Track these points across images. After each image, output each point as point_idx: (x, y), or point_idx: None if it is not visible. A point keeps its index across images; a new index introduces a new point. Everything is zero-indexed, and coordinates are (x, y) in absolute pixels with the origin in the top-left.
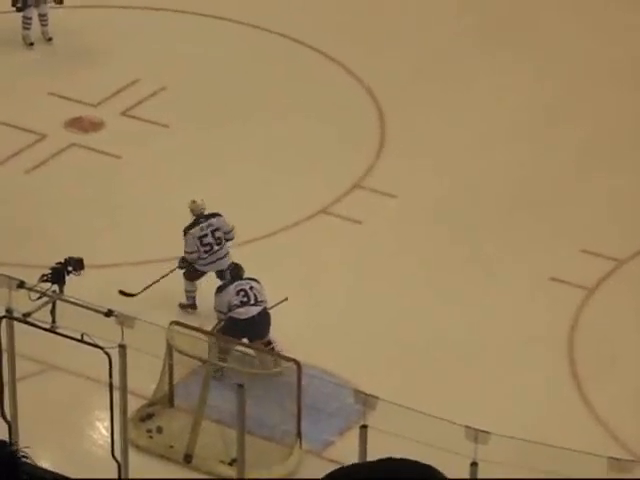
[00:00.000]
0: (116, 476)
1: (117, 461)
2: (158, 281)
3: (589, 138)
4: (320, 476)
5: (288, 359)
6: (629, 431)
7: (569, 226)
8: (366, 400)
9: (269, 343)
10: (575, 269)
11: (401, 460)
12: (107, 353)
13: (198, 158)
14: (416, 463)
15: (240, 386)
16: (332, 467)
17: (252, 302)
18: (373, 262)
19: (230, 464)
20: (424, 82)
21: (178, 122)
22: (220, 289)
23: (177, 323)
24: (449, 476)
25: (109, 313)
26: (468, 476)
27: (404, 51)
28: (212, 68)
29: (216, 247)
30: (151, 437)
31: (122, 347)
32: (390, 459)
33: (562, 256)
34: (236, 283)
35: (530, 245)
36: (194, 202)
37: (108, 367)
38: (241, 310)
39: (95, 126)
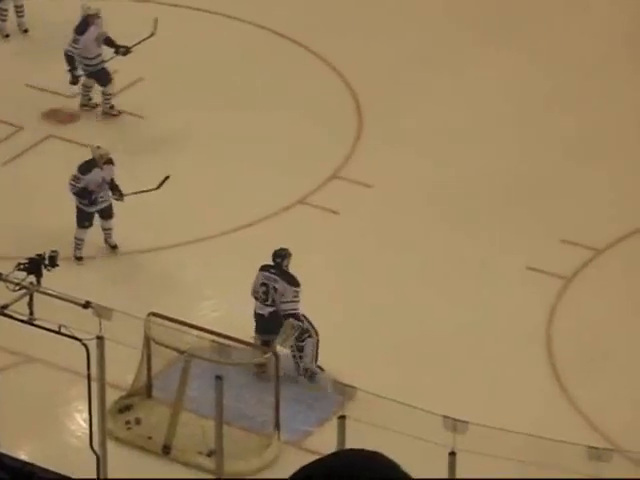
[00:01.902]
0: (94, 468)
1: (95, 453)
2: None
3: (569, 130)
4: (298, 466)
5: (266, 350)
6: (609, 421)
7: (548, 216)
8: (344, 390)
9: (297, 349)
10: (554, 259)
11: (350, 451)
12: (85, 345)
13: (175, 149)
14: (365, 452)
15: (218, 377)
16: (311, 458)
17: (269, 302)
18: (351, 252)
19: (208, 455)
20: (401, 74)
21: (155, 113)
22: (260, 269)
23: (155, 314)
24: (428, 465)
25: (87, 305)
26: (446, 466)
27: (381, 43)
28: (190, 60)
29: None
30: (129, 428)
31: (100, 339)
32: (341, 452)
33: (541, 246)
34: (266, 274)
35: (508, 235)
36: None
37: (86, 359)
38: (257, 304)
39: (72, 117)
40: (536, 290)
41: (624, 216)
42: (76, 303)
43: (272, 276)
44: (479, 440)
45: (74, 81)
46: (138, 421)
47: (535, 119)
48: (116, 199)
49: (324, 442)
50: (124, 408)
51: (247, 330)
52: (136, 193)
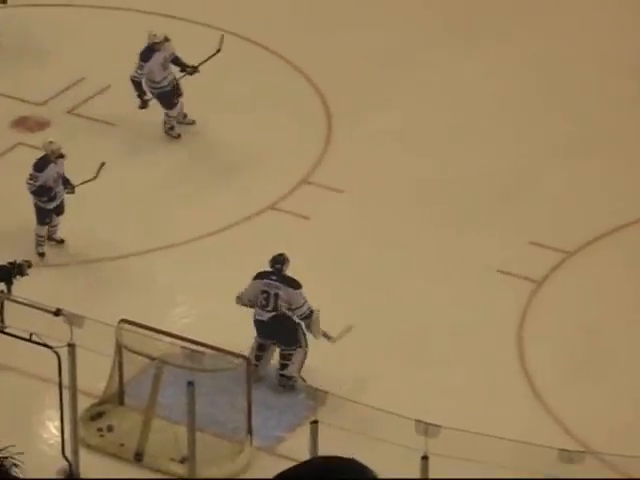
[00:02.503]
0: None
1: (68, 460)
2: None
3: (538, 132)
4: (272, 472)
5: (238, 356)
6: (579, 422)
7: (518, 218)
8: (316, 395)
9: (284, 357)
10: (524, 261)
11: (324, 458)
12: (56, 352)
13: (144, 155)
14: (339, 459)
15: (190, 383)
16: (283, 463)
17: (269, 308)
18: (322, 257)
19: (181, 462)
20: (370, 80)
21: (124, 120)
22: (254, 277)
23: (126, 321)
24: (401, 470)
25: (58, 312)
26: (419, 470)
27: (350, 44)
28: None
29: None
30: (102, 436)
31: (71, 346)
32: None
33: (511, 248)
34: (266, 282)
35: (478, 237)
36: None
37: (57, 366)
38: (257, 310)
39: (41, 125)
40: (507, 293)
41: (594, 219)
42: (47, 311)
43: (274, 283)
44: (451, 444)
45: (143, 106)
46: (110, 428)
47: (502, 123)
48: (68, 192)
49: (296, 447)
50: (96, 415)
51: (218, 336)
52: (80, 184)
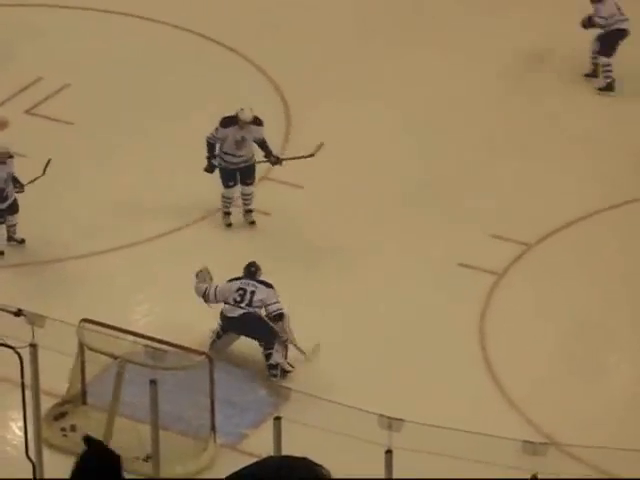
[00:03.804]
0: (31, 476)
1: (31, 461)
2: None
3: (494, 125)
4: (236, 469)
5: (200, 353)
6: (542, 414)
7: (478, 211)
8: (279, 392)
9: (267, 348)
10: (484, 254)
11: (277, 457)
12: (18, 353)
13: (103, 155)
14: (292, 458)
15: (153, 382)
16: (247, 460)
17: (243, 304)
18: (284, 253)
19: (145, 460)
20: (329, 76)
21: (83, 119)
22: (229, 281)
23: (88, 320)
24: (365, 464)
25: (18, 313)
26: (383, 464)
27: (307, 45)
28: (116, 64)
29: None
30: (65, 436)
31: (33, 346)
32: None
33: (471, 241)
34: (243, 281)
35: (438, 231)
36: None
37: (20, 367)
38: (227, 307)
39: (1, 125)
40: (469, 286)
41: (554, 210)
42: (8, 311)
43: (251, 282)
44: (415, 438)
45: (209, 169)
46: (74, 428)
47: (460, 114)
48: (17, 191)
49: (260, 444)
50: (59, 415)
51: (180, 334)
52: (30, 182)
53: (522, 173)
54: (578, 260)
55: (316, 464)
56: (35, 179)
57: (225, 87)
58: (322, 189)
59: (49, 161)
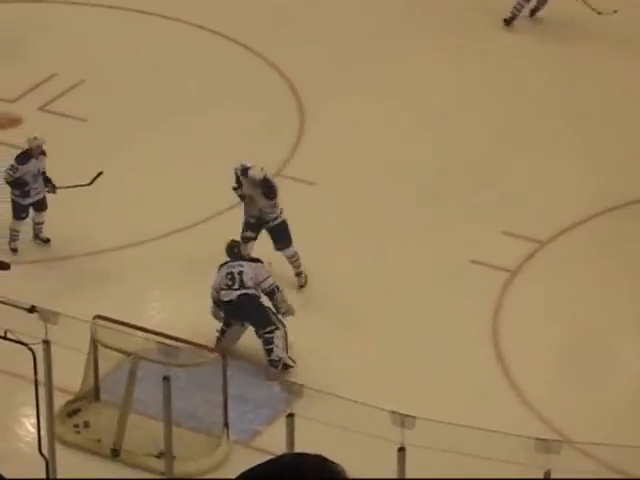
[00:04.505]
0: (44, 473)
1: (44, 457)
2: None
3: (510, 120)
4: (249, 466)
5: (214, 350)
6: (555, 411)
7: (491, 208)
8: (292, 388)
9: (267, 342)
10: (497, 251)
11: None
12: (31, 349)
13: (117, 151)
14: (309, 456)
15: (166, 378)
16: (260, 457)
17: (236, 286)
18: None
19: (158, 457)
20: (343, 73)
21: (96, 116)
22: (219, 268)
23: (101, 317)
24: (378, 462)
25: (32, 309)
26: (396, 461)
27: (322, 42)
28: (130, 61)
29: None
30: (78, 432)
31: (46, 343)
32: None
33: (484, 238)
34: (228, 264)
35: (451, 228)
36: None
37: (33, 363)
38: (223, 293)
39: (13, 122)
40: (481, 283)
41: (567, 207)
42: (21, 307)
43: (234, 263)
44: (428, 435)
45: (236, 190)
46: (86, 424)
47: (472, 111)
48: (48, 192)
49: (273, 441)
50: (72, 412)
51: (193, 330)
52: (69, 187)
53: (535, 170)
54: (591, 257)
55: (331, 462)
56: (76, 186)
57: (239, 85)
58: (335, 186)
59: (100, 174)
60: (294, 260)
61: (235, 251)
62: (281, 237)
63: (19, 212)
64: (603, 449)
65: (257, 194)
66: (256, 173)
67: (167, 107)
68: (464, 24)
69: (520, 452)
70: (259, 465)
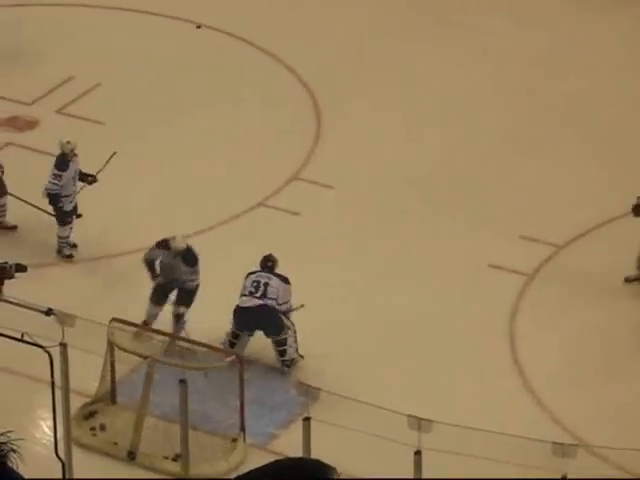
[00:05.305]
0: (60, 475)
1: (61, 460)
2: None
3: (525, 124)
4: None
5: (230, 353)
6: (572, 415)
7: (507, 212)
8: (308, 392)
9: (280, 344)
10: (514, 255)
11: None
12: (48, 352)
13: (134, 154)
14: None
15: (182, 381)
16: None
17: (258, 295)
18: (313, 252)
19: (174, 459)
20: (359, 75)
21: (113, 119)
22: (247, 276)
23: (117, 320)
24: (394, 465)
25: (49, 312)
26: (412, 465)
27: (338, 44)
28: (146, 64)
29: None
30: (94, 435)
31: (63, 346)
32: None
33: (501, 242)
34: (258, 273)
35: (468, 232)
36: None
37: (49, 366)
38: (244, 298)
39: (31, 125)
40: (498, 287)
41: (584, 211)
42: (38, 310)
43: (265, 274)
44: (444, 439)
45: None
46: (103, 427)
47: (490, 113)
48: (90, 183)
49: (290, 444)
50: (89, 414)
51: (210, 334)
52: (101, 170)
53: (552, 174)
54: (607, 261)
55: (328, 466)
56: (97, 173)
57: (256, 86)
58: (353, 189)
59: (114, 154)
60: (181, 323)
61: (269, 265)
62: (188, 300)
63: (66, 217)
64: (620, 453)
65: (178, 262)
66: (178, 244)
67: (184, 110)
68: (481, 27)
69: (536, 456)
70: (256, 469)
